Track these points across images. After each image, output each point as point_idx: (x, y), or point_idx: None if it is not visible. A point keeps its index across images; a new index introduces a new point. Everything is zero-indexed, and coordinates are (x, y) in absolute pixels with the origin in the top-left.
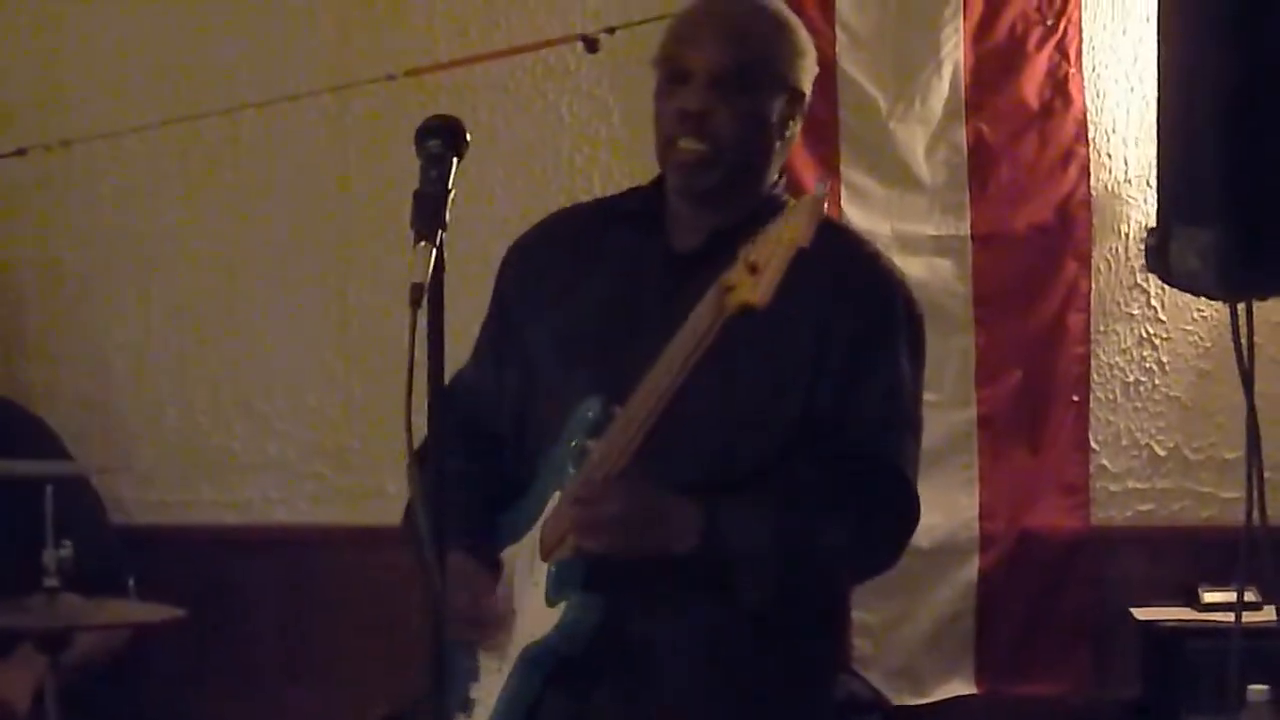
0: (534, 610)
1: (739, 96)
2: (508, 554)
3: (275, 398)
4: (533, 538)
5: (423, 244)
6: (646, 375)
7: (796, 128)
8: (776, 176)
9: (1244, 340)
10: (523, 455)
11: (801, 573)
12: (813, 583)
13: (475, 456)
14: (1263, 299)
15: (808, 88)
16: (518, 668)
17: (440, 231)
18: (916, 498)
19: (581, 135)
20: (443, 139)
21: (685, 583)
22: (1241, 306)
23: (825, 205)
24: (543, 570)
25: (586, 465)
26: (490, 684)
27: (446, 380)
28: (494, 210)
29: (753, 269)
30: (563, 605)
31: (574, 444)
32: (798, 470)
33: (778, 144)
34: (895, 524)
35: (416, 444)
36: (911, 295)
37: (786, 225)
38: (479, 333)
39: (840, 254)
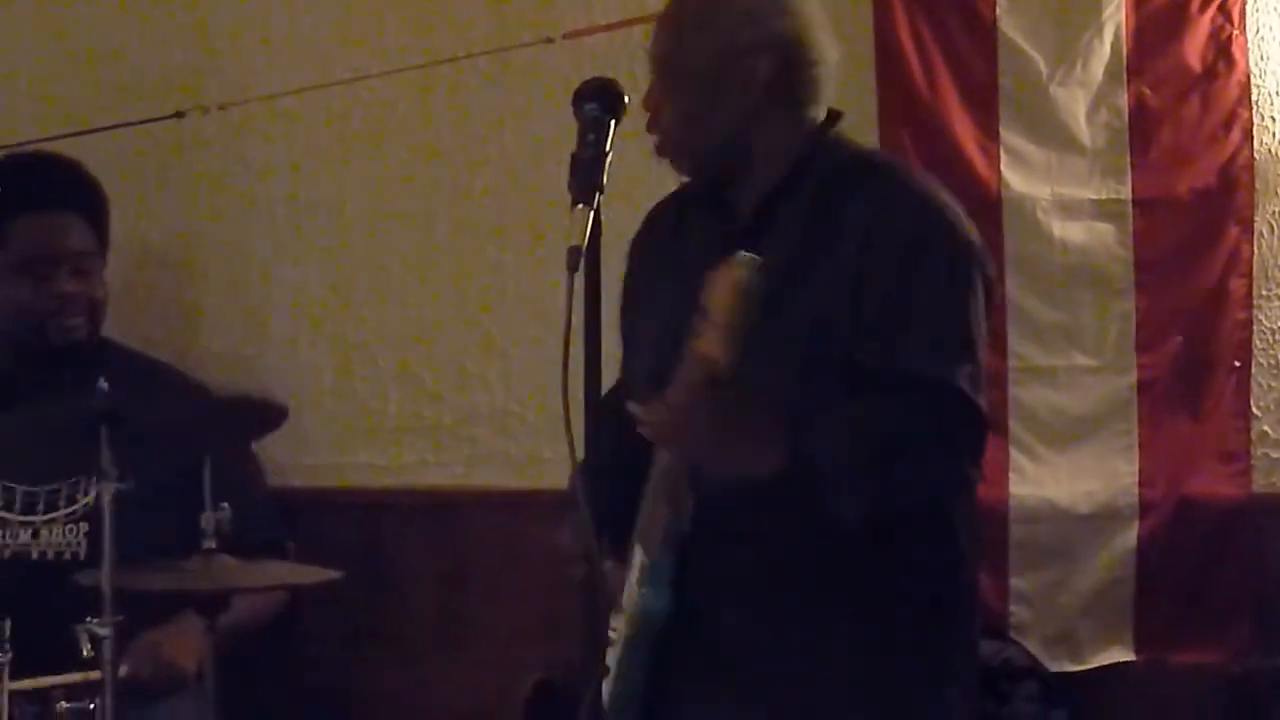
0: (629, 597)
1: (675, 80)
2: (634, 536)
3: (431, 362)
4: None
5: (580, 207)
6: None
7: (799, 73)
8: (817, 119)
9: None
10: None
11: (884, 481)
12: (896, 495)
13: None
14: None
15: (767, 32)
16: (622, 650)
17: (598, 195)
18: (978, 409)
19: None
20: (600, 102)
21: (780, 584)
22: None
23: (740, 273)
24: (639, 561)
25: (681, 369)
26: (615, 653)
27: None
28: (652, 173)
29: (709, 322)
30: (639, 594)
31: None
32: (865, 398)
33: (759, 101)
34: (964, 439)
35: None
36: (953, 227)
37: (716, 292)
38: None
39: (877, 199)
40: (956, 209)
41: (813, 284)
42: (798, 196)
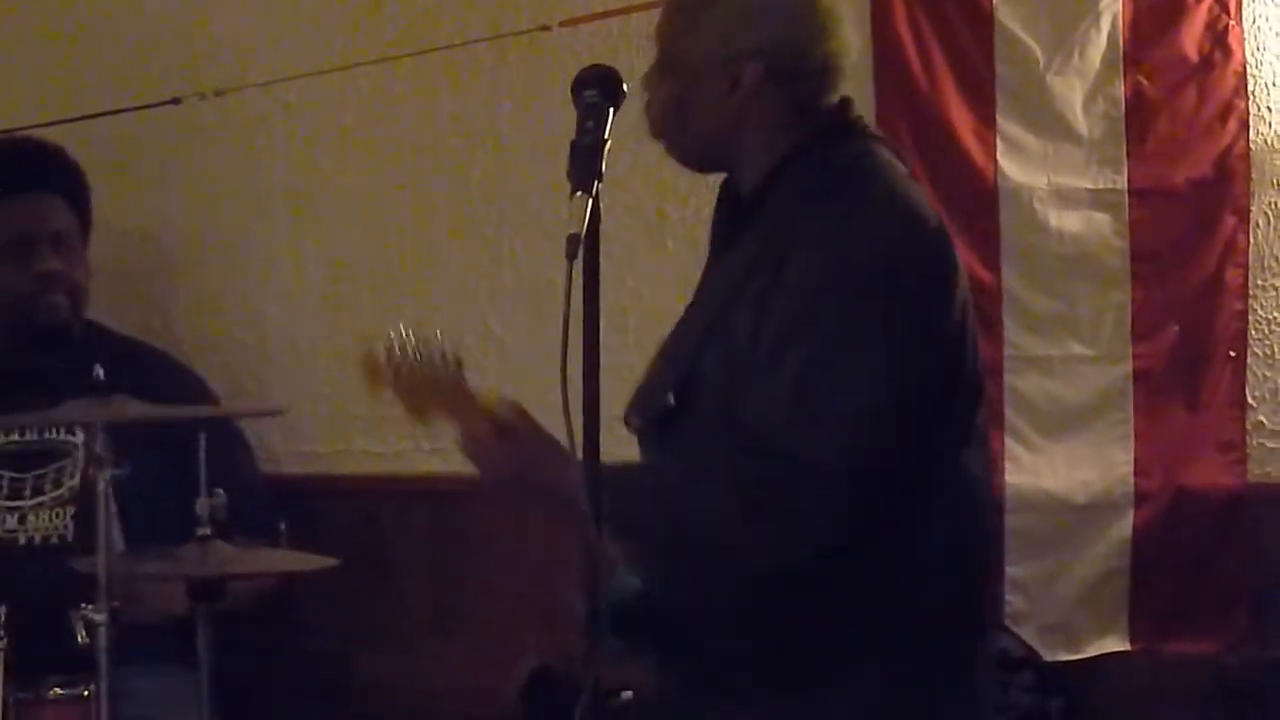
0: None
1: (668, 70)
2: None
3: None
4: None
5: (579, 195)
6: None
7: (790, 80)
8: (814, 118)
9: None
10: None
11: (678, 551)
12: (696, 565)
13: None
14: None
15: (757, 39)
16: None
17: (596, 182)
18: (819, 480)
19: None
20: (599, 89)
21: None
22: None
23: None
24: None
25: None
26: None
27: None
28: (650, 161)
29: None
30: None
31: None
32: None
33: (745, 103)
34: (796, 513)
35: None
36: (871, 271)
37: None
38: None
39: (810, 230)
40: (910, 239)
41: (737, 313)
42: (771, 202)
